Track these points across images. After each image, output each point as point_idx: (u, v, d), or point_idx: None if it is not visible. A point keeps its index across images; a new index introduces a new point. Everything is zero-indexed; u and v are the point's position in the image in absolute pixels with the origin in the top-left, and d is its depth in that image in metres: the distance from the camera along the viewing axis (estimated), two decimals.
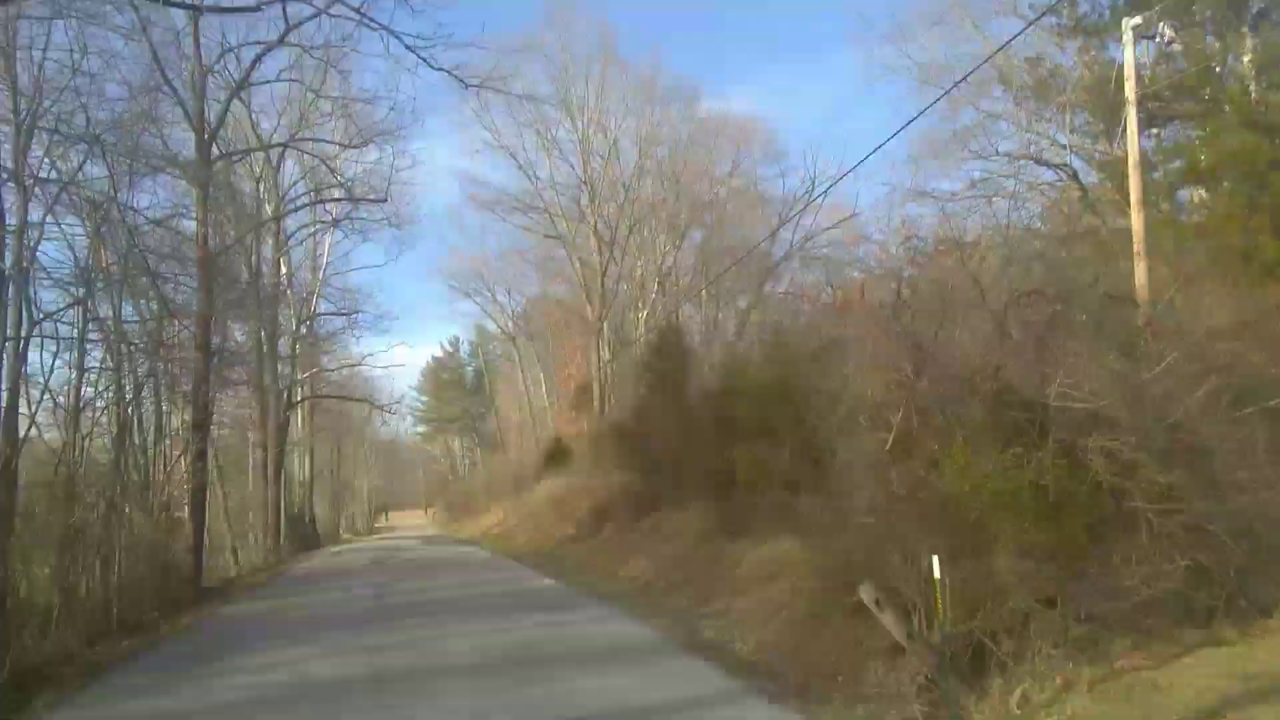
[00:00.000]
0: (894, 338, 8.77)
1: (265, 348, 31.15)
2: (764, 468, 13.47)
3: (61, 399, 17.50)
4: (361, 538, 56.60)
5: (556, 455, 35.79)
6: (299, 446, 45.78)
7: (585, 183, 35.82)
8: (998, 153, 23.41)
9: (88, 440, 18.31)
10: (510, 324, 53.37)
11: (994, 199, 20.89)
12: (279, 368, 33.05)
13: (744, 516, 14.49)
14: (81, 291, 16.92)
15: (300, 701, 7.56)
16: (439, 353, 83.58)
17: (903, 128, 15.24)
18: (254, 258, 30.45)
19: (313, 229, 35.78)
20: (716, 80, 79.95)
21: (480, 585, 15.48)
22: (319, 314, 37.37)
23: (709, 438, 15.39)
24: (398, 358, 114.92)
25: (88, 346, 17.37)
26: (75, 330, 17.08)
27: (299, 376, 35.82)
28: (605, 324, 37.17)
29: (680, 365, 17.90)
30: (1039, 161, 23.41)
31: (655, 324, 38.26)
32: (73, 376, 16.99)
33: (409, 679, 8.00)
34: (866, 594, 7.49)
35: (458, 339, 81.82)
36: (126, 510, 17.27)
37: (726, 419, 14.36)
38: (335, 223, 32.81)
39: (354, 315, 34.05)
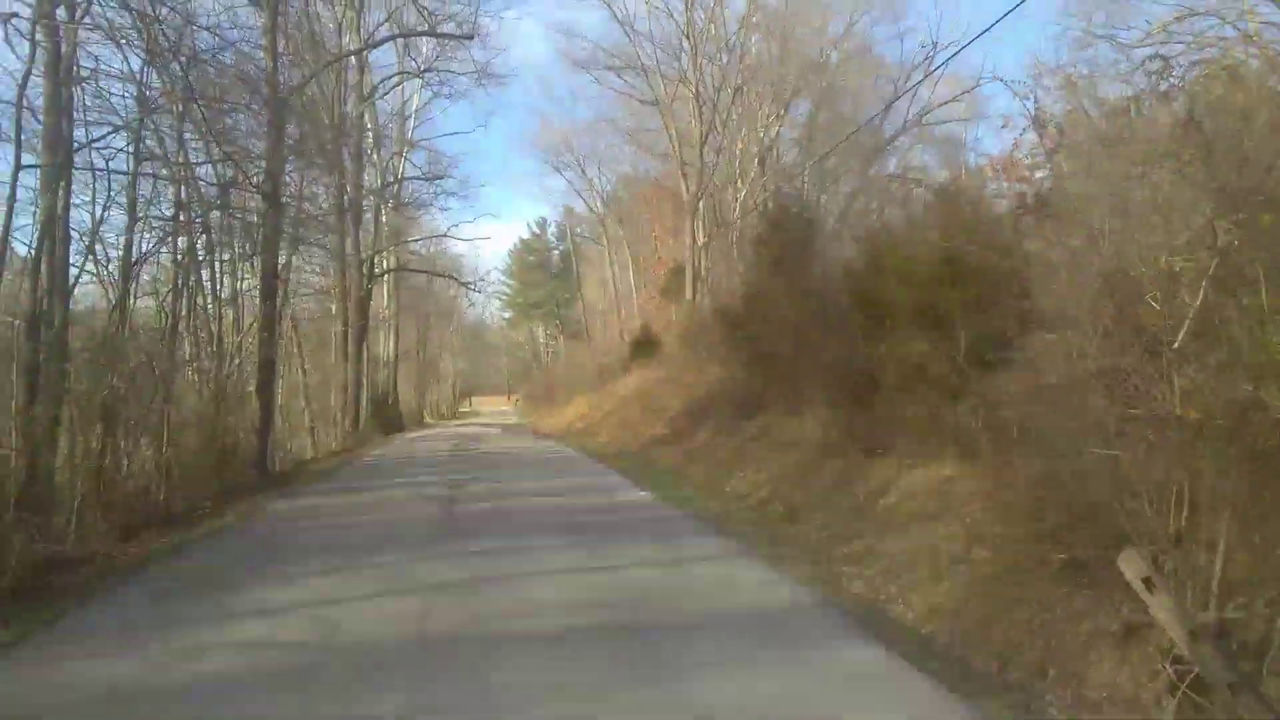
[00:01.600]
0: (1190, 177, 5.73)
1: (347, 209, 29.05)
2: (921, 369, 10.64)
3: (113, 251, 15.61)
4: (444, 422, 55.91)
5: (644, 346, 33.41)
6: (384, 324, 44.43)
7: (687, 37, 32.07)
8: None
9: (138, 300, 16.53)
10: (599, 203, 50.56)
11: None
12: (361, 234, 31.04)
13: (885, 428, 11.76)
14: (134, 119, 14.63)
15: (312, 675, 5.29)
16: (526, 234, 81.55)
17: None
18: (336, 109, 28.11)
19: (399, 81, 33.11)
20: None
21: (564, 493, 13.20)
22: (405, 178, 35.06)
23: (842, 328, 12.55)
24: (485, 232, 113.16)
25: (141, 188, 15.26)
26: (128, 165, 14.94)
27: (383, 246, 33.77)
28: (701, 202, 33.97)
29: (804, 240, 14.93)
30: None
31: (755, 205, 35.06)
32: (124, 222, 14.95)
33: (464, 649, 5.63)
34: (1131, 568, 5.12)
35: (545, 220, 79.60)
36: (178, 382, 15.51)
37: (870, 306, 11.46)
38: (422, 73, 30.05)
39: (441, 180, 31.51)
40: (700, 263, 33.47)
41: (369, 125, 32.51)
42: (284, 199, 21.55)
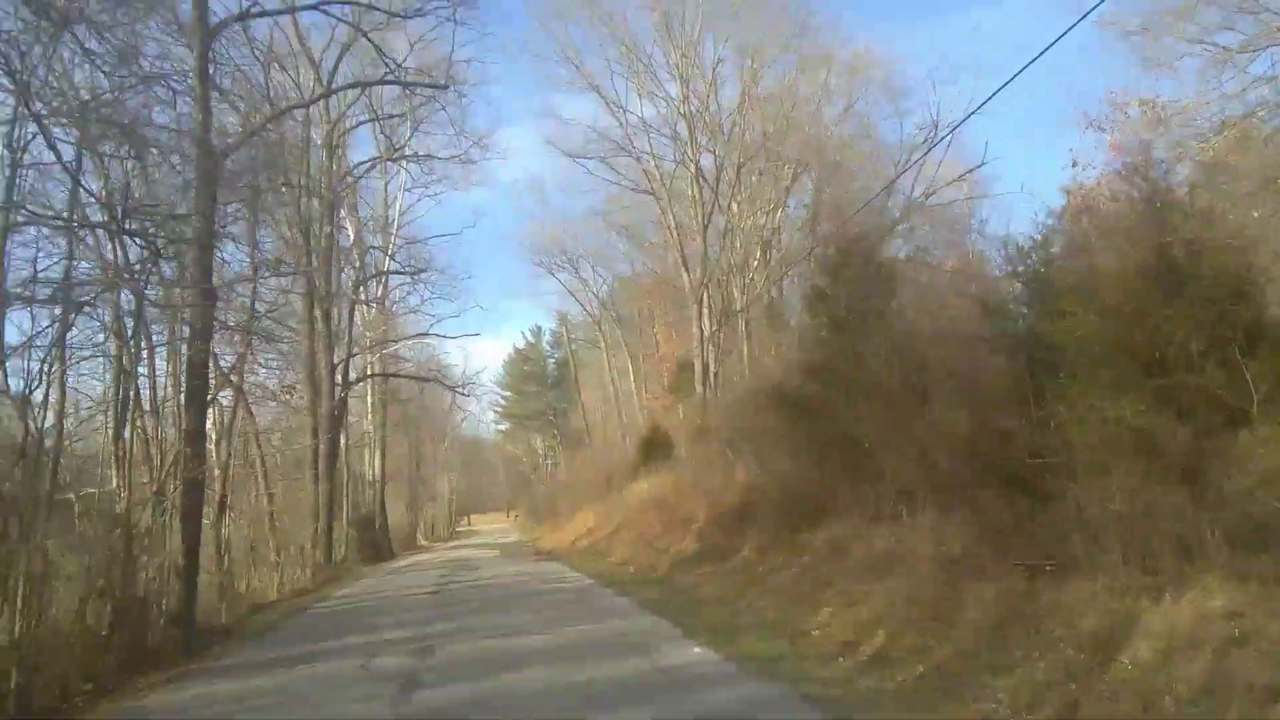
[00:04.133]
0: None
1: (316, 309, 25.18)
2: (1135, 436, 6.58)
3: None
4: (439, 544, 50.96)
5: (655, 446, 29.21)
6: (368, 441, 40.10)
7: (683, 116, 29.08)
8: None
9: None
10: (595, 305, 47.07)
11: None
12: (333, 335, 27.12)
13: (1050, 533, 7.64)
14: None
15: None
16: (520, 344, 78.04)
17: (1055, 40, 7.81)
18: (301, 199, 24.61)
19: (371, 165, 29.80)
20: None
21: (583, 657, 8.81)
22: (384, 272, 31.38)
23: (969, 391, 8.51)
24: (476, 339, 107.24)
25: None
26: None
27: (358, 349, 29.77)
28: (706, 290, 30.40)
29: (883, 285, 11.05)
30: None
31: (760, 293, 31.55)
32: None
33: None
34: None
35: (539, 328, 76.23)
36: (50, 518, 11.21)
37: (1034, 347, 7.47)
38: (398, 156, 26.74)
39: (424, 275, 27.65)
40: (709, 355, 29.68)
41: (343, 216, 29.05)
42: (226, 286, 17.71)
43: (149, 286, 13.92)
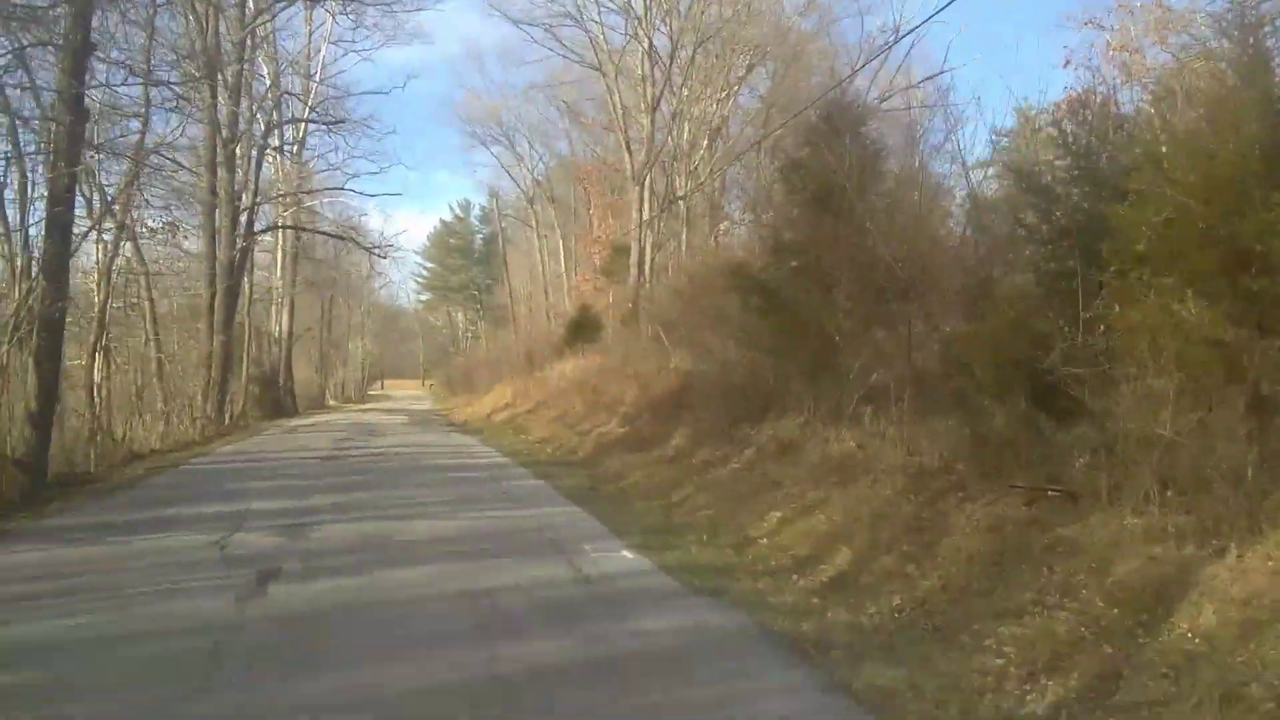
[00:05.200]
0: None
1: (220, 150, 22.19)
2: (1212, 347, 5.12)
3: None
4: (350, 406, 48.79)
5: (584, 328, 27.48)
6: (277, 297, 37.22)
7: None
8: None
9: None
10: (530, 183, 44.21)
11: None
12: (237, 177, 24.17)
13: (1064, 456, 6.26)
14: None
15: None
16: (448, 217, 74.46)
17: None
18: (206, 27, 21.35)
19: (298, 11, 26.30)
20: None
21: (489, 554, 7.21)
22: (299, 119, 28.18)
23: (983, 286, 6.94)
24: (399, 211, 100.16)
25: None
26: None
27: (264, 199, 26.80)
28: (650, 173, 28.26)
29: (871, 161, 9.31)
30: None
31: (705, 182, 29.58)
32: None
33: None
34: None
35: (469, 202, 72.76)
36: None
37: (1090, 236, 5.86)
38: None
39: (341, 126, 24.58)
40: (646, 240, 27.79)
41: (257, 55, 25.58)
42: (109, 109, 15.01)
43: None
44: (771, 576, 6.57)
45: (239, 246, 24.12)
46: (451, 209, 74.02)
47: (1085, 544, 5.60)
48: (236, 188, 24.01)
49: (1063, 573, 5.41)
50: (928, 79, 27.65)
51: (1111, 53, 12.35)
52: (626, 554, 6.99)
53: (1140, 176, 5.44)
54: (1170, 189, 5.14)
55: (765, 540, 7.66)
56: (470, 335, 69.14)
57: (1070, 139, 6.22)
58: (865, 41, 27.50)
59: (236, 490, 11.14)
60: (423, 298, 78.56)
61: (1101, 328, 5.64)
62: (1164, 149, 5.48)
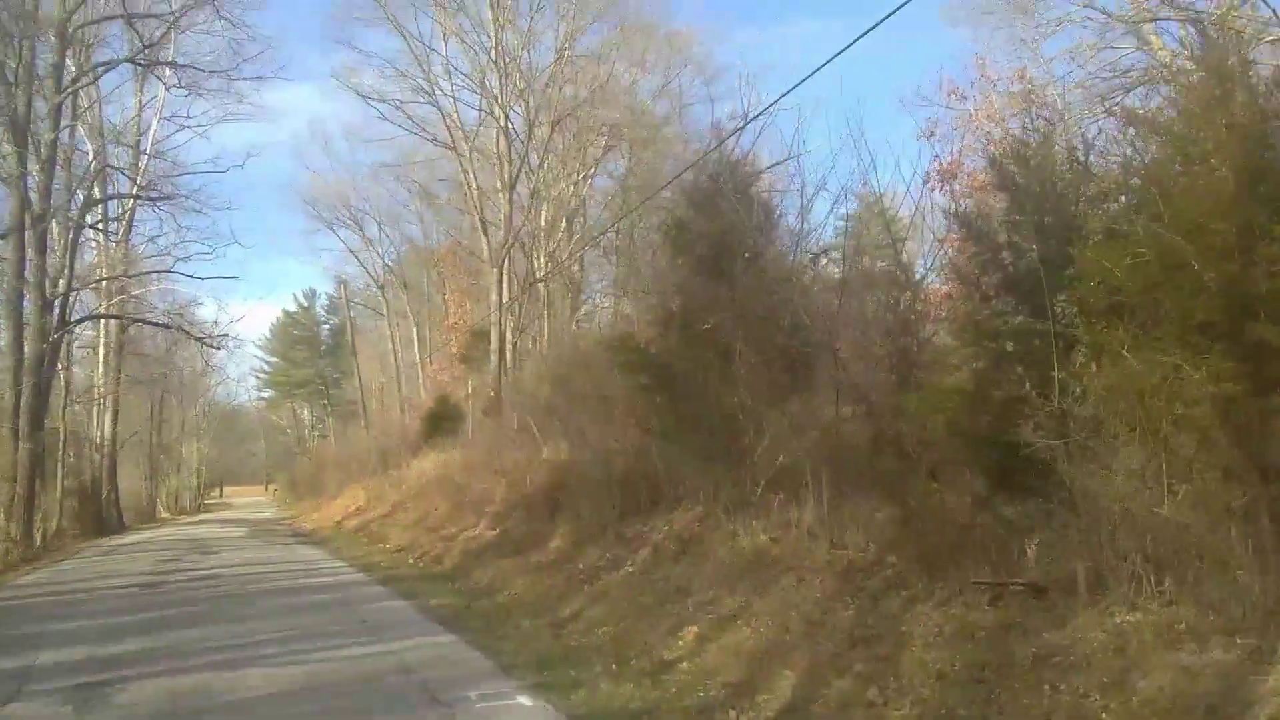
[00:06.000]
0: None
1: (28, 220, 19.35)
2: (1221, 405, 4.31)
3: None
4: (184, 518, 44.08)
5: (442, 419, 25.65)
6: (99, 397, 33.16)
7: (495, 64, 25.53)
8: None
9: None
10: (380, 269, 42.11)
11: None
12: (50, 260, 21.25)
13: (1045, 542, 5.37)
14: None
15: None
16: (291, 307, 70.37)
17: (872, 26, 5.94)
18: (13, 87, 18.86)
19: (126, 81, 23.88)
20: None
21: (345, 693, 5.57)
22: (123, 195, 25.35)
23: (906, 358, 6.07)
24: (237, 302, 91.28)
25: None
26: None
27: (81, 285, 23.72)
28: (508, 255, 27.07)
29: (767, 225, 8.48)
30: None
31: (565, 264, 28.79)
32: None
33: None
34: None
35: (314, 291, 69.03)
36: None
37: (1063, 283, 5.07)
38: (151, 61, 21.34)
39: (170, 200, 21.94)
40: (506, 325, 26.40)
41: (78, 124, 22.90)
42: None
43: None
44: (707, 716, 5.24)
45: (51, 339, 21.04)
46: (295, 298, 69.96)
47: (1082, 652, 4.63)
48: (50, 271, 21.11)
49: (1069, 693, 4.39)
50: (775, 164, 28.20)
51: (975, 125, 12.31)
52: (524, 700, 5.49)
53: (1107, 213, 4.70)
54: (1151, 224, 4.38)
55: (685, 664, 6.35)
56: (317, 434, 64.71)
57: (1014, 179, 5.48)
58: (715, 126, 27.71)
59: (27, 636, 8.84)
60: (264, 395, 73.42)
61: (1078, 390, 4.78)
62: (1135, 180, 4.76)
